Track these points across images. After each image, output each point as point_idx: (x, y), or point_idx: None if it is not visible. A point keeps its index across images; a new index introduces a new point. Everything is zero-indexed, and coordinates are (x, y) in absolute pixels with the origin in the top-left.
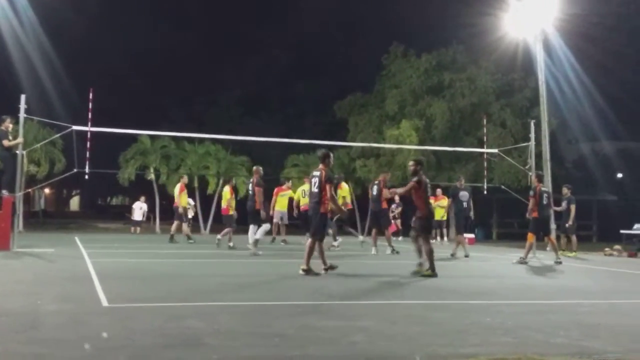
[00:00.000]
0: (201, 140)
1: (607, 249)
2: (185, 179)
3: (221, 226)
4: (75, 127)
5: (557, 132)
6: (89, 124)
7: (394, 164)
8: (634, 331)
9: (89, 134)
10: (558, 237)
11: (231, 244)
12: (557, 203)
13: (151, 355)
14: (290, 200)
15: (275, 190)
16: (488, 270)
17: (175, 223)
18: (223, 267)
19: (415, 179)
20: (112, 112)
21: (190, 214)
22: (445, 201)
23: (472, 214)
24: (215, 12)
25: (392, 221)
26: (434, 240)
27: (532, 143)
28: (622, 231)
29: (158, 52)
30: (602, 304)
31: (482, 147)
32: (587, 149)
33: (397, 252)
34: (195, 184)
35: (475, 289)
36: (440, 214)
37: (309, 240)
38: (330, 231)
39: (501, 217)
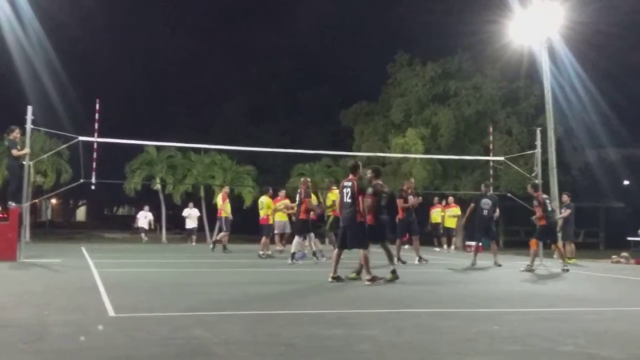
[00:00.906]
0: (207, 150)
1: (614, 256)
2: (226, 189)
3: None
4: (81, 138)
5: (563, 139)
6: (96, 134)
7: (400, 173)
8: None
9: (95, 144)
10: (563, 245)
11: (226, 248)
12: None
13: None
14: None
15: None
16: (495, 278)
17: (223, 233)
18: (228, 276)
19: (370, 190)
20: (118, 123)
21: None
22: (457, 209)
23: (493, 222)
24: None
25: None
26: (437, 249)
27: (539, 150)
28: (629, 238)
29: (164, 62)
30: (609, 312)
31: (488, 155)
32: (593, 156)
33: (404, 262)
34: (202, 194)
35: (482, 297)
36: (450, 222)
37: (361, 251)
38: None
39: (507, 225)
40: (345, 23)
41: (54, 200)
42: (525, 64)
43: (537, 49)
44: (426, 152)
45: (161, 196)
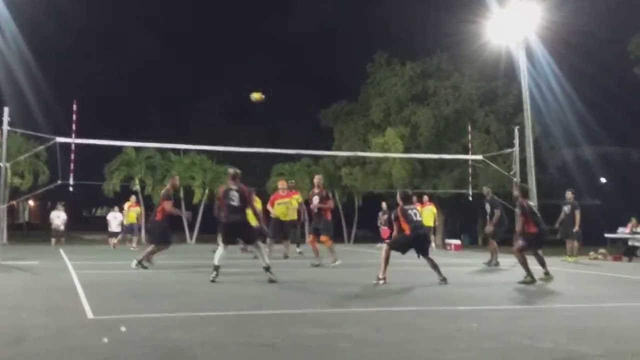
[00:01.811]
0: (186, 150)
1: (592, 252)
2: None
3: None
4: (59, 139)
5: (541, 138)
6: (73, 135)
7: (380, 172)
8: (619, 334)
9: (73, 145)
10: (563, 242)
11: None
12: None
13: None
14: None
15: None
16: (474, 276)
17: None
18: (207, 277)
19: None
20: (96, 124)
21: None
22: (432, 208)
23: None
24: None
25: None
26: None
27: (517, 149)
28: (606, 235)
29: (140, 63)
30: (588, 308)
31: (467, 154)
32: (570, 155)
33: None
34: (181, 195)
35: (462, 295)
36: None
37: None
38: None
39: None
40: (324, 23)
41: (31, 202)
42: (503, 64)
43: (515, 48)
44: (406, 151)
45: (140, 197)
